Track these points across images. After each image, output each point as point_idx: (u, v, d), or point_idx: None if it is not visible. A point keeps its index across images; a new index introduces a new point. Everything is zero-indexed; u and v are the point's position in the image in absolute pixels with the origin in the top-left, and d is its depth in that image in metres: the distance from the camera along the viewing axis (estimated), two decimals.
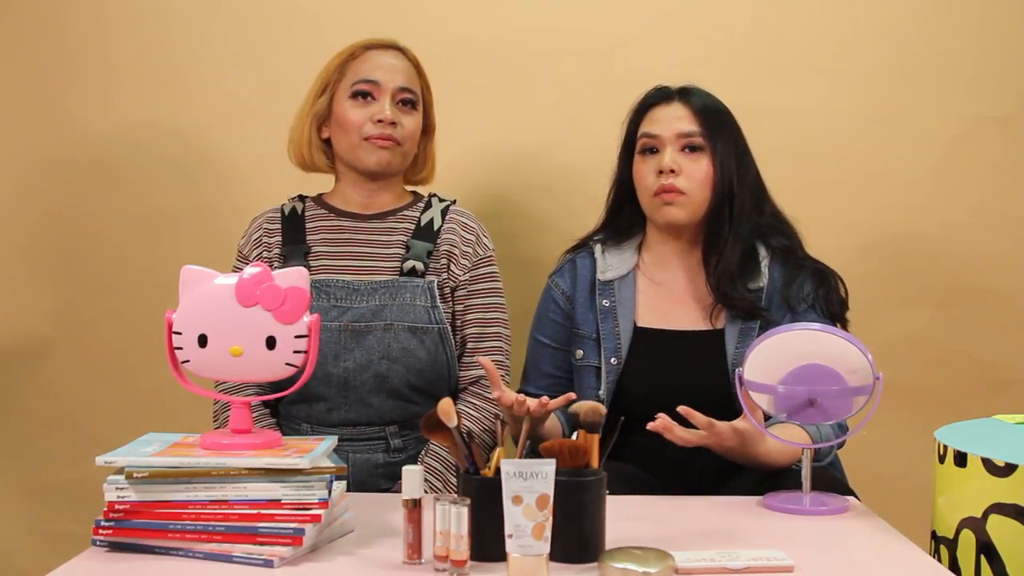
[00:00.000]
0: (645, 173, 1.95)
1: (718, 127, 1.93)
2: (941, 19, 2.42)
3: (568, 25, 2.43)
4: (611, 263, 1.99)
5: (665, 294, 1.97)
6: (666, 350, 1.93)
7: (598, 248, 2.02)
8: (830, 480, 1.77)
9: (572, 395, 1.60)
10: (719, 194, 1.91)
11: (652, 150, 1.95)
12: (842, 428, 1.83)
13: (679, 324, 1.95)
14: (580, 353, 1.98)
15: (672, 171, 1.90)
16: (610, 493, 1.41)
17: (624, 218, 2.03)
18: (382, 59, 1.96)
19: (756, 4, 2.43)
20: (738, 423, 1.71)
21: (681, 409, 1.66)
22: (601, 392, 1.93)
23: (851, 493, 1.75)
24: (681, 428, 1.67)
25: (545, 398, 1.59)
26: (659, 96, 1.98)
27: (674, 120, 1.94)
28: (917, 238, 2.45)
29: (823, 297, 1.92)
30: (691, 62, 2.38)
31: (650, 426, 1.65)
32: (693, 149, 1.92)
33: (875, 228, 2.44)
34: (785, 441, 1.71)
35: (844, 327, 1.92)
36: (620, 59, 2.42)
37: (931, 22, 2.43)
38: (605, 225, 2.06)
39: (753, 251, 1.94)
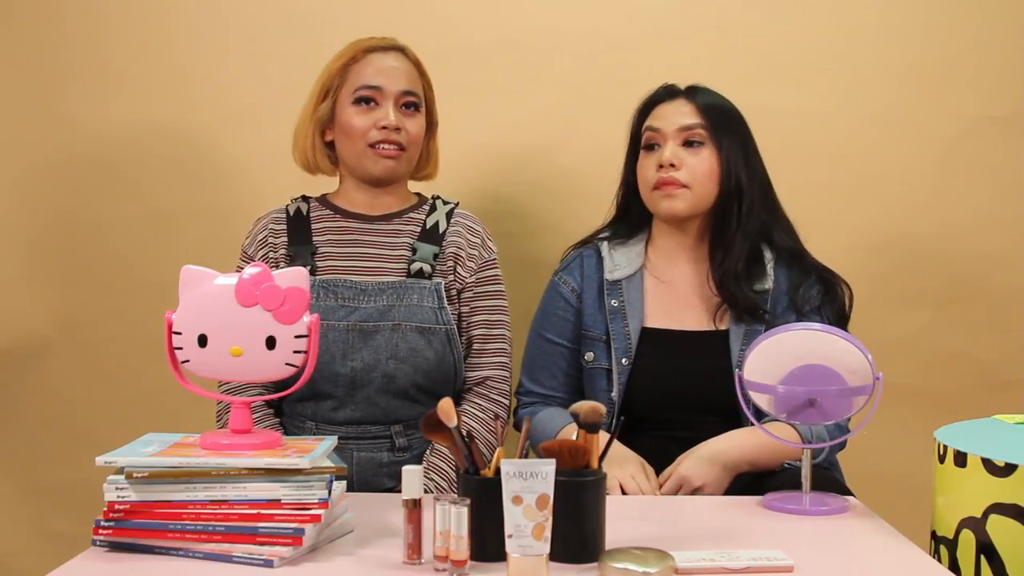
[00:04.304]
0: (647, 168, 1.95)
1: (723, 122, 1.93)
2: (941, 19, 2.42)
3: (568, 25, 2.43)
4: (618, 262, 1.99)
5: (671, 293, 1.97)
6: (672, 351, 1.93)
7: (604, 246, 2.01)
8: (828, 481, 1.77)
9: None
10: (726, 188, 1.91)
11: (654, 145, 1.95)
12: (840, 428, 1.83)
13: (685, 324, 1.95)
14: (591, 355, 1.97)
15: (672, 165, 1.90)
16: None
17: (631, 216, 2.03)
18: (384, 62, 1.96)
19: (756, 4, 2.43)
20: (703, 451, 1.78)
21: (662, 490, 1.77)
22: (613, 394, 1.92)
23: (848, 494, 1.75)
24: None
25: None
26: (665, 93, 1.99)
27: (676, 115, 1.94)
28: (917, 238, 2.46)
29: (829, 303, 1.92)
30: (691, 62, 2.38)
31: None
32: (694, 143, 1.92)
33: (875, 228, 2.44)
34: (780, 439, 1.72)
35: None
36: (620, 59, 2.42)
37: (931, 22, 2.43)
38: (612, 223, 2.06)
39: (758, 252, 1.94)
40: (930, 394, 2.42)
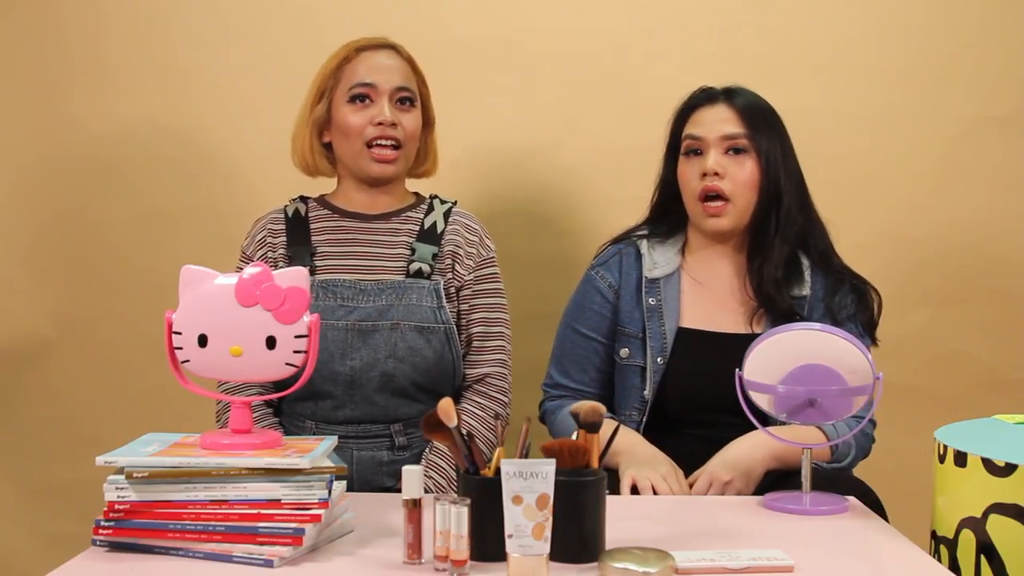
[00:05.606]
0: (689, 175, 1.95)
1: (763, 127, 1.93)
2: (941, 19, 2.43)
3: (568, 25, 2.43)
4: (657, 261, 1.99)
5: (708, 295, 1.97)
6: (707, 352, 1.93)
7: (644, 244, 2.01)
8: (844, 480, 1.78)
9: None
10: (765, 196, 1.92)
11: (696, 152, 1.94)
12: (863, 433, 1.84)
13: (720, 326, 1.95)
14: (626, 352, 1.97)
15: (716, 173, 1.90)
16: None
17: (670, 217, 2.03)
18: (376, 60, 1.96)
19: (756, 4, 2.44)
20: (727, 456, 1.79)
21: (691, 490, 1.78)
22: (646, 392, 1.93)
23: (871, 493, 1.76)
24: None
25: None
26: (704, 97, 1.98)
27: (718, 122, 1.93)
28: (917, 238, 2.46)
29: (862, 311, 1.94)
30: (691, 62, 2.39)
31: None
32: (738, 151, 1.92)
33: (875, 228, 2.44)
34: (790, 442, 1.72)
35: (874, 341, 1.93)
36: (620, 59, 2.43)
37: (931, 22, 2.43)
38: (650, 222, 2.05)
39: (796, 258, 1.94)
40: (930, 394, 2.42)
